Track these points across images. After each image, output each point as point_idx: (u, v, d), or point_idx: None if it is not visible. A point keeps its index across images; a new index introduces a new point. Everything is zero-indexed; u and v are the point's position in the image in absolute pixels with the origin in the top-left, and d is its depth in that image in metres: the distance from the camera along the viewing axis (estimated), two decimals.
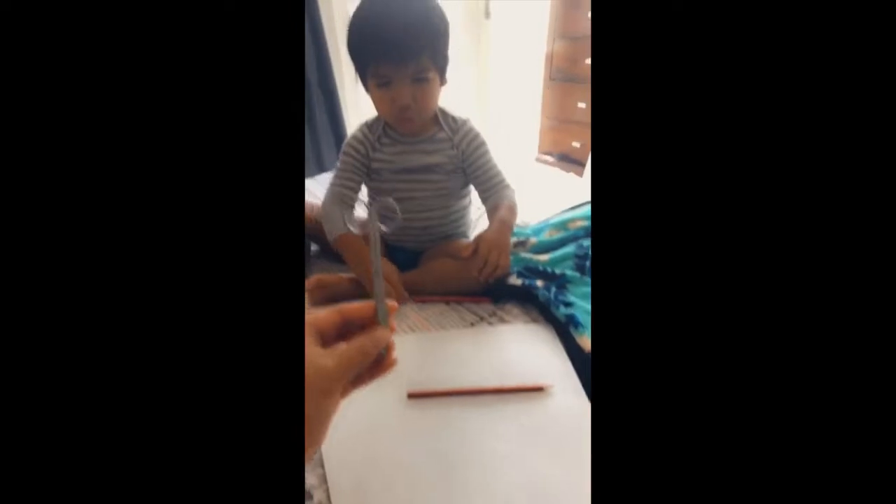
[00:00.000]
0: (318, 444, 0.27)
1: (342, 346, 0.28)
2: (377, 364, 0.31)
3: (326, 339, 0.30)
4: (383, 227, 0.32)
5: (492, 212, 0.78)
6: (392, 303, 0.31)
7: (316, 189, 1.22)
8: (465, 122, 0.81)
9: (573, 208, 0.96)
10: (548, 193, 1.10)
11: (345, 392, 0.29)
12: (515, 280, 0.70)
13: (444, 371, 0.57)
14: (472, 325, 0.66)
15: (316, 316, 0.30)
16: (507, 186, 0.81)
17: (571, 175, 1.25)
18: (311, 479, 0.44)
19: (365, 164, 0.81)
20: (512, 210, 0.76)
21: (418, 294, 0.73)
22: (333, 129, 1.57)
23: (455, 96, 1.99)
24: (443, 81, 0.75)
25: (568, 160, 2.06)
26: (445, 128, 0.80)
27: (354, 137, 0.81)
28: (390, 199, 0.35)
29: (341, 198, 0.79)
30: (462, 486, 0.43)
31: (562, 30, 1.94)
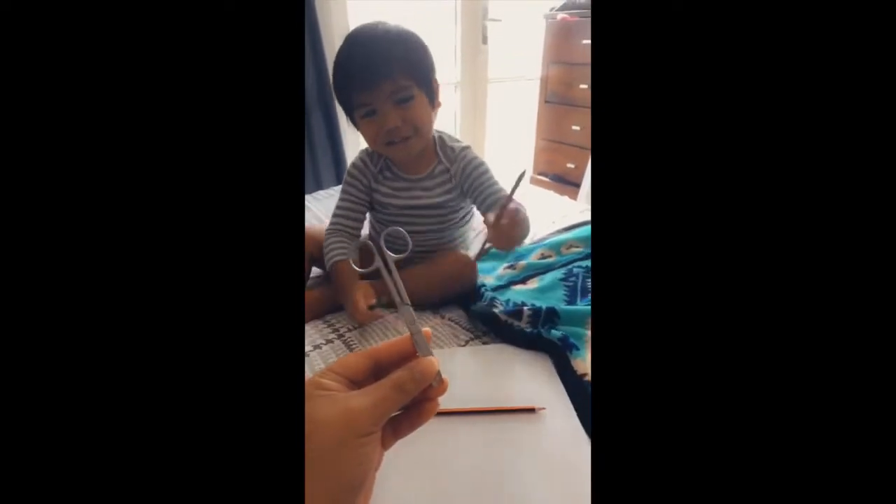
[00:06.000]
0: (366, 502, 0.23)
1: (374, 385, 0.25)
2: (420, 405, 0.27)
3: (361, 385, 0.27)
4: (394, 255, 0.31)
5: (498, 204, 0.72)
6: (427, 329, 0.28)
7: (313, 205, 1.23)
8: (463, 150, 0.80)
9: (567, 229, 0.97)
10: (540, 214, 1.11)
11: (386, 442, 0.27)
12: (501, 315, 0.66)
13: None
14: (466, 343, 0.66)
15: (343, 362, 0.27)
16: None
17: (565, 197, 1.27)
18: None
19: (367, 194, 0.81)
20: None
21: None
22: (332, 145, 1.59)
23: (451, 119, 2.03)
24: (433, 103, 0.73)
25: (563, 181, 2.09)
26: (443, 159, 0.79)
27: (355, 167, 0.81)
28: (399, 228, 0.35)
29: (344, 229, 0.79)
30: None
31: (556, 56, 1.99)
